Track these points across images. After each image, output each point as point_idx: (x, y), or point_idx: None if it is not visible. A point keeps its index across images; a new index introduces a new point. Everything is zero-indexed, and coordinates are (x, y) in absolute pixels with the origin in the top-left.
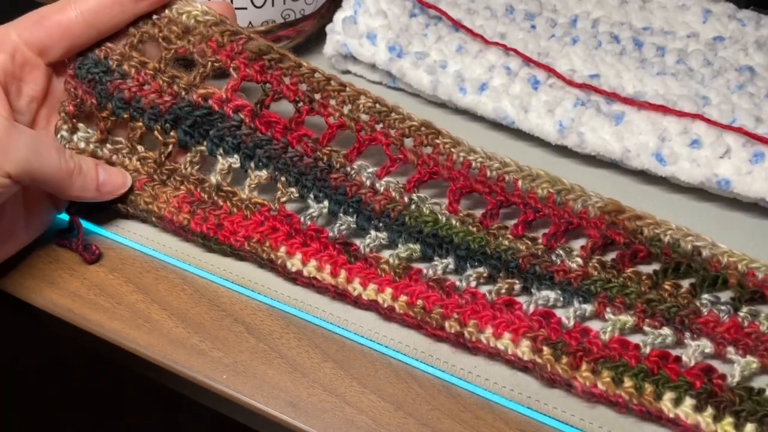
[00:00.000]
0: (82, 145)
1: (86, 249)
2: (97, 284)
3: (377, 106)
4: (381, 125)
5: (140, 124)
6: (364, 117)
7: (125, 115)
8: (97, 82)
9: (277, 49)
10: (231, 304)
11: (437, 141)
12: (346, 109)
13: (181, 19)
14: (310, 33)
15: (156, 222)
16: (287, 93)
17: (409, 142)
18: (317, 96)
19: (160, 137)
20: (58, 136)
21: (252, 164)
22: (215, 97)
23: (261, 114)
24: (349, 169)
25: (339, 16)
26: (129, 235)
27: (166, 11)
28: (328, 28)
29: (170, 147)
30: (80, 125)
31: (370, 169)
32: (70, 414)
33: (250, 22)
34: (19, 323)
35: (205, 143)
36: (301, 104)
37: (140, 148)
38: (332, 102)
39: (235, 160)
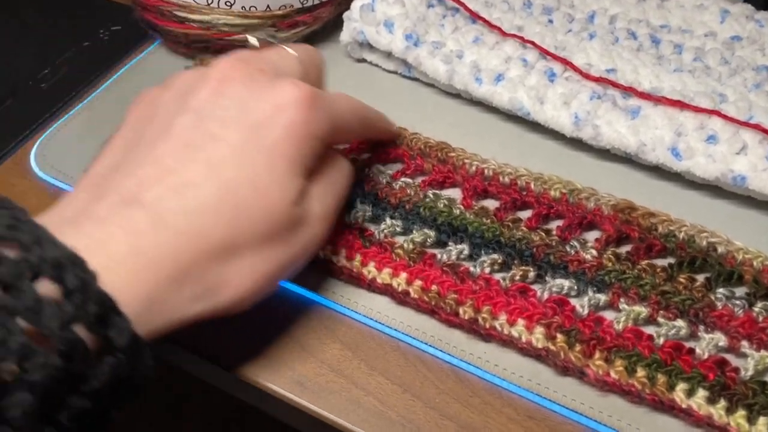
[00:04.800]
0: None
1: None
2: None
3: (399, 131)
4: (401, 144)
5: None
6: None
7: None
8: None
9: None
10: None
11: (452, 154)
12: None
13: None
14: (327, 20)
15: None
16: None
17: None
18: None
19: None
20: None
21: None
22: None
23: None
24: (366, 170)
25: (357, 3)
26: None
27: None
28: (346, 15)
29: None
30: None
31: (388, 171)
32: None
33: (268, 6)
34: None
35: None
36: None
37: None
38: None
39: None
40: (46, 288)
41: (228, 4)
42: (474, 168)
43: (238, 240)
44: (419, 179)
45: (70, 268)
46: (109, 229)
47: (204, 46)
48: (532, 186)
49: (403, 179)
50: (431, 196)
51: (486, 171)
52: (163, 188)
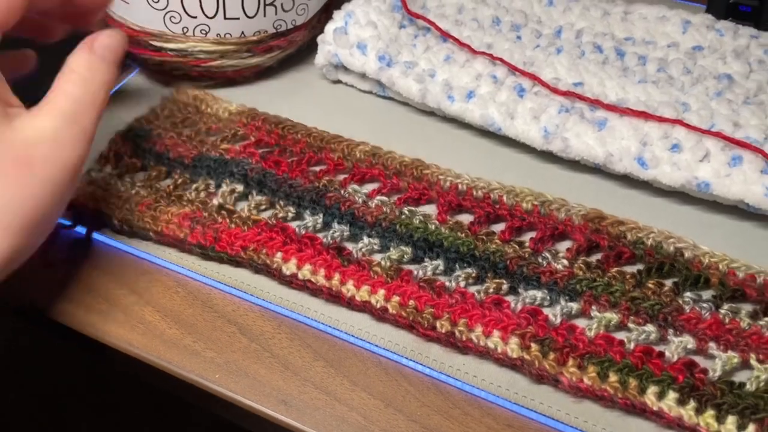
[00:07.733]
0: (101, 176)
1: None
2: (91, 287)
3: (374, 150)
4: (376, 164)
5: (163, 168)
6: (361, 158)
7: (152, 163)
8: (138, 143)
9: (292, 121)
10: (223, 306)
11: (426, 172)
12: (346, 154)
13: (218, 113)
14: (301, 43)
15: (154, 237)
16: (295, 148)
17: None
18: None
19: (176, 175)
20: (89, 170)
21: (254, 191)
22: (233, 150)
23: (268, 158)
24: (343, 191)
25: (330, 27)
26: (123, 239)
27: (209, 110)
28: (320, 38)
29: (180, 180)
30: (108, 164)
31: (363, 191)
32: (70, 416)
33: (242, 32)
34: (20, 328)
35: (213, 179)
36: (306, 153)
37: (154, 183)
38: (333, 153)
39: (239, 186)
40: None
41: (203, 31)
42: (448, 183)
43: None
44: (395, 197)
45: None
46: None
47: (182, 73)
48: (505, 199)
49: (378, 197)
50: (407, 212)
51: (460, 186)
52: None
